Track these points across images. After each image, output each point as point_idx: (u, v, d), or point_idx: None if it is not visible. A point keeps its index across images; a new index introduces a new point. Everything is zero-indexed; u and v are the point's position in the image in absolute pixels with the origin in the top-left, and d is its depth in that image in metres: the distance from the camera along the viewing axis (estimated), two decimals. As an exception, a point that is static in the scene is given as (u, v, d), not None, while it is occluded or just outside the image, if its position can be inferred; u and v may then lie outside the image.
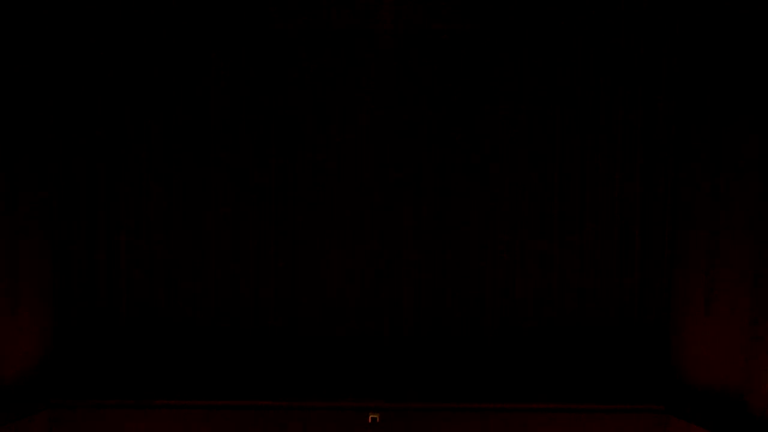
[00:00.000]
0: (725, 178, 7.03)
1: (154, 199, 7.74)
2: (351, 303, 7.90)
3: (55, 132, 7.62)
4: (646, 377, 7.64)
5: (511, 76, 7.68)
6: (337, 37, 7.77)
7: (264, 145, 7.80)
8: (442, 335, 7.93)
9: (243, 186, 7.80)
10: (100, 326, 7.79)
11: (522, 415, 7.22)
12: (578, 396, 7.40)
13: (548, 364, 7.76)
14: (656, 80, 7.55)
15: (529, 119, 7.70)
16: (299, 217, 7.86)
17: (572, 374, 7.71)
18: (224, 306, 7.83)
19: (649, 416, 7.18)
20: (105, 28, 7.56)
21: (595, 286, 7.75)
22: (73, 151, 7.68)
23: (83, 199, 7.73)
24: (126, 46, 7.60)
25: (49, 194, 7.61)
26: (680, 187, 7.50)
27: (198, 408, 7.26)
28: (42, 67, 7.44)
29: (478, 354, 7.82)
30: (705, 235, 7.18)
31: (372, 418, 7.18)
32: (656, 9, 7.46)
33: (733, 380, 6.96)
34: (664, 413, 7.13)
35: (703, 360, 7.23)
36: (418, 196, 7.85)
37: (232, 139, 7.76)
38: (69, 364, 7.70)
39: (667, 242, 7.64)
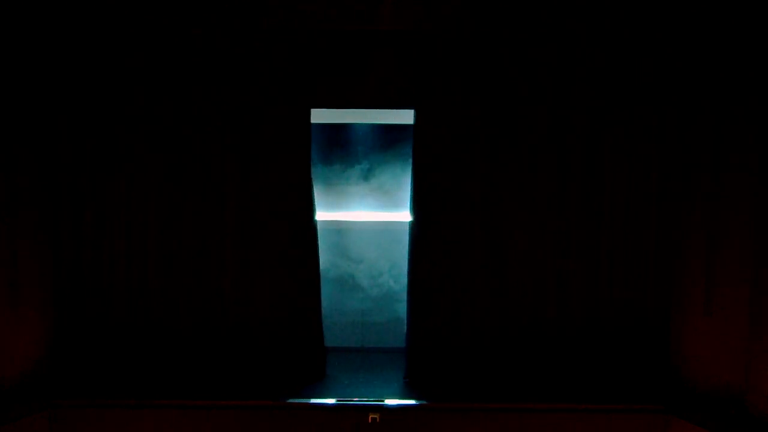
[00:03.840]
0: (725, 178, 7.04)
1: (148, 200, 7.73)
2: None
3: (56, 133, 7.62)
4: (646, 377, 7.64)
5: (518, 79, 7.63)
6: (336, 37, 7.79)
7: (259, 148, 7.76)
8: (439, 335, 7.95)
9: (236, 188, 7.77)
10: (100, 326, 7.80)
11: (522, 415, 7.21)
12: (578, 396, 7.40)
13: (548, 364, 7.76)
14: (654, 79, 7.55)
15: (526, 118, 7.70)
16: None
17: (572, 374, 7.72)
18: (223, 306, 7.82)
19: (649, 416, 7.17)
20: (95, 30, 7.54)
21: (595, 286, 7.74)
22: (73, 154, 7.67)
23: (83, 200, 7.72)
24: (120, 47, 7.59)
25: (50, 195, 7.61)
26: (679, 187, 7.50)
27: (199, 408, 7.25)
28: (42, 68, 7.44)
29: (476, 354, 7.81)
30: (705, 235, 7.18)
31: (372, 418, 7.18)
32: (659, 10, 7.45)
33: (734, 380, 6.96)
34: (664, 413, 7.13)
35: (703, 360, 7.23)
36: (432, 201, 7.82)
37: (224, 142, 7.74)
38: (69, 364, 7.71)
39: (667, 242, 7.63)
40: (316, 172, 8.73)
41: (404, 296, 8.63)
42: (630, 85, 7.56)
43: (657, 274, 7.68)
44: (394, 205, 8.86)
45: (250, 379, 7.67)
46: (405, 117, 8.43)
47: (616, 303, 7.73)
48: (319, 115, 8.41)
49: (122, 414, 7.22)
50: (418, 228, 7.82)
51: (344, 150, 8.86)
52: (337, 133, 8.83)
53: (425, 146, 7.74)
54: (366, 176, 8.88)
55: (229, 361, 7.78)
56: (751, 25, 6.78)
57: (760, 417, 6.68)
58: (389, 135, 8.78)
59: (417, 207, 7.80)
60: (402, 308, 8.58)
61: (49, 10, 7.40)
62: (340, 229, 8.97)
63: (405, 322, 8.31)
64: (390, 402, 7.29)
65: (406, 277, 8.28)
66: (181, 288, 7.79)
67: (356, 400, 7.29)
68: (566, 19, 7.51)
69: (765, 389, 6.66)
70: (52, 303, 7.67)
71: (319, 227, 8.75)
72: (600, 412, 7.21)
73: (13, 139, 7.15)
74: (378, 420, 7.18)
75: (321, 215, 8.77)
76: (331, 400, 7.32)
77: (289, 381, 7.70)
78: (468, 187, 7.71)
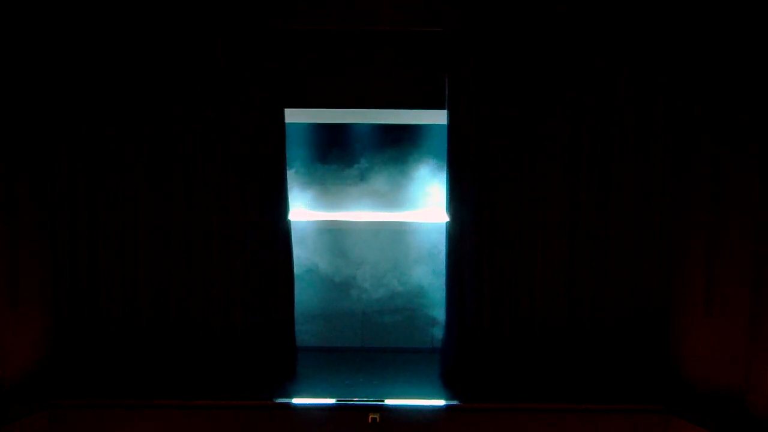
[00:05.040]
0: (725, 178, 7.03)
1: (137, 203, 7.74)
2: None
3: (55, 138, 7.61)
4: (646, 377, 7.63)
5: (532, 80, 7.61)
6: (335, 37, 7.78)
7: (239, 149, 7.73)
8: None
9: (220, 191, 7.76)
10: (100, 326, 7.79)
11: (521, 415, 7.21)
12: (578, 396, 7.39)
13: (547, 364, 7.75)
14: (654, 78, 7.54)
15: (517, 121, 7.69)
16: None
17: (572, 374, 7.71)
18: (209, 306, 7.83)
19: (649, 416, 7.17)
20: (92, 35, 7.55)
21: (595, 286, 7.73)
22: (69, 158, 7.67)
23: (79, 202, 7.72)
24: (114, 54, 7.58)
25: (50, 197, 7.61)
26: (680, 187, 7.50)
27: (198, 408, 7.25)
28: (41, 71, 7.44)
29: (477, 353, 7.81)
30: (705, 235, 7.18)
31: (372, 418, 7.18)
32: (660, 12, 7.46)
33: (734, 380, 6.96)
34: (664, 413, 7.13)
35: (703, 360, 7.23)
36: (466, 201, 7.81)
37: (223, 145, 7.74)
38: (69, 364, 7.71)
39: (667, 242, 7.63)
40: (316, 172, 8.75)
41: (410, 297, 8.70)
42: (635, 87, 7.55)
43: (657, 274, 7.66)
44: (394, 205, 8.85)
45: (229, 378, 7.67)
46: (404, 117, 8.45)
47: (618, 303, 7.72)
48: (319, 115, 8.43)
49: (122, 414, 7.21)
50: (454, 228, 7.78)
51: (343, 150, 8.84)
52: (336, 133, 8.82)
53: (459, 146, 7.71)
54: (365, 176, 8.87)
55: (216, 361, 7.79)
56: (751, 24, 6.79)
57: (760, 417, 6.67)
58: (389, 135, 8.77)
59: (453, 207, 7.78)
60: (412, 309, 8.70)
61: (47, 16, 7.41)
62: (339, 229, 8.95)
63: (411, 323, 8.44)
64: (390, 402, 7.29)
65: (409, 277, 8.30)
66: (168, 289, 7.80)
67: (356, 400, 7.29)
68: (569, 21, 7.51)
69: (765, 389, 6.66)
70: (52, 303, 7.66)
71: (318, 228, 8.79)
72: (600, 412, 7.21)
73: (13, 142, 7.16)
74: (378, 420, 7.18)
75: (321, 216, 8.79)
76: (331, 400, 7.32)
77: (261, 380, 7.68)
78: (493, 188, 7.71)
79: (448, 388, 7.69)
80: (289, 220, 7.89)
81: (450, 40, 7.64)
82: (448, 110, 7.73)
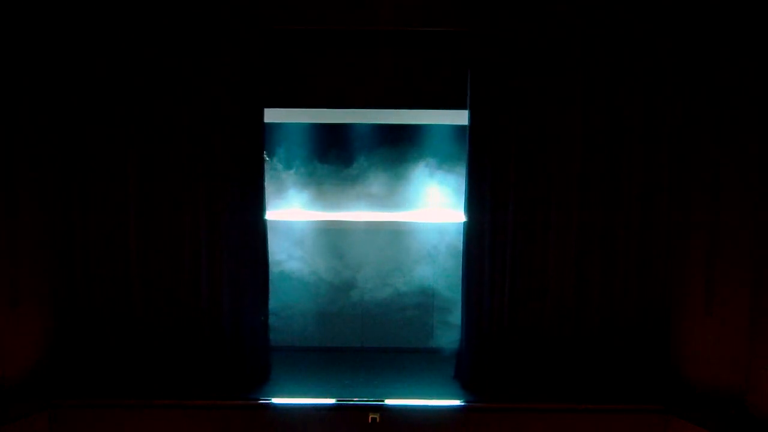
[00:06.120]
0: (725, 178, 7.04)
1: (129, 205, 7.73)
2: None
3: (57, 134, 7.61)
4: (646, 377, 7.63)
5: (546, 81, 7.61)
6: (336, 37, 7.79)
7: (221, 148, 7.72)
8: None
9: (212, 194, 7.76)
10: (100, 326, 7.79)
11: (521, 416, 7.22)
12: (578, 396, 7.40)
13: (547, 364, 7.75)
14: (655, 80, 7.54)
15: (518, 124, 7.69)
16: None
17: (572, 374, 7.71)
18: (209, 307, 7.82)
19: (649, 416, 7.17)
20: (88, 38, 7.56)
21: (603, 286, 7.72)
22: (72, 157, 7.67)
23: (81, 202, 7.72)
24: (123, 52, 7.59)
25: (50, 197, 7.61)
26: (680, 187, 7.50)
27: (198, 408, 7.26)
28: (41, 73, 7.44)
29: (493, 354, 7.81)
30: (705, 235, 7.18)
31: (372, 418, 7.18)
32: (658, 17, 7.46)
33: (734, 380, 6.96)
34: (664, 413, 7.13)
35: (703, 360, 7.23)
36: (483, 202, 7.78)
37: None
38: (69, 364, 7.71)
39: (667, 242, 7.63)
40: (315, 172, 8.76)
41: (411, 298, 8.72)
42: (639, 88, 7.54)
43: (660, 274, 7.66)
44: (393, 205, 8.85)
45: (210, 379, 7.67)
46: (404, 117, 8.45)
47: (622, 304, 7.71)
48: (318, 115, 8.43)
49: (122, 414, 7.22)
50: (472, 229, 7.75)
51: (342, 150, 8.84)
52: (336, 133, 8.81)
53: (479, 148, 7.68)
54: (364, 176, 8.88)
55: (205, 361, 7.78)
56: (751, 25, 6.79)
57: (760, 417, 6.68)
58: (388, 135, 8.77)
59: (471, 208, 7.75)
60: (413, 310, 8.77)
61: (46, 18, 7.40)
62: (340, 229, 8.95)
63: (412, 324, 8.51)
64: (390, 402, 7.29)
65: (410, 278, 8.28)
66: (161, 289, 7.80)
67: (356, 400, 7.29)
68: (573, 21, 7.52)
69: (765, 389, 6.66)
70: (52, 303, 7.66)
71: (317, 227, 8.78)
72: (600, 412, 7.21)
73: (14, 142, 7.17)
74: (378, 420, 7.18)
75: (320, 216, 8.79)
76: (331, 400, 7.32)
77: (234, 382, 7.67)
78: (509, 189, 7.71)
79: (465, 389, 7.69)
80: (266, 220, 7.85)
81: (473, 41, 7.56)
82: (469, 111, 7.66)
